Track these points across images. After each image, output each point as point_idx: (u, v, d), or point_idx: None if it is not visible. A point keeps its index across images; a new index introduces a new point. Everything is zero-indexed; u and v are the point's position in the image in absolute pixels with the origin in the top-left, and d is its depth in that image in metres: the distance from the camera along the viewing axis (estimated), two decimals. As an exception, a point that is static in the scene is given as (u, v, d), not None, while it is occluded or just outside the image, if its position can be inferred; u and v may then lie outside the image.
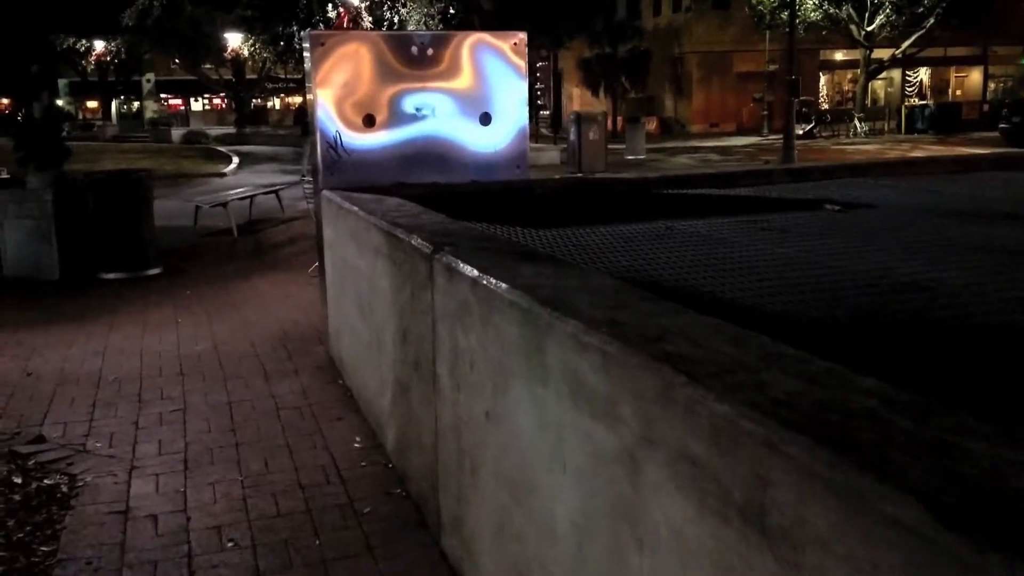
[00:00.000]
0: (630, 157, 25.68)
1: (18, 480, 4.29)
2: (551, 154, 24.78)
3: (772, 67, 37.72)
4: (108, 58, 48.44)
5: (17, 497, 4.13)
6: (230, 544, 3.65)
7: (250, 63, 45.93)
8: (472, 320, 2.95)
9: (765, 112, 37.24)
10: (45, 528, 3.83)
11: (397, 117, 6.00)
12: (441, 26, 25.88)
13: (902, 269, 3.24)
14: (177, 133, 43.67)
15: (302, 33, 6.56)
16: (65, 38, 38.56)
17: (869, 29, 35.07)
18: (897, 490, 1.20)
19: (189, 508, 4.01)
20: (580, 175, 7.94)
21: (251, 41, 36.57)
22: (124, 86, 58.64)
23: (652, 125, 38.78)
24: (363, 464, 4.40)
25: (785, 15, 33.55)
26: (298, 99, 53.05)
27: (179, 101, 68.73)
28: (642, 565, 1.89)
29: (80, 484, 4.29)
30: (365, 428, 4.85)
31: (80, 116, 60.75)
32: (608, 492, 2.03)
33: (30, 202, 9.33)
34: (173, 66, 53.98)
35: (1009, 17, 36.46)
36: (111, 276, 9.38)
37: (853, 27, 35.37)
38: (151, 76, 61.47)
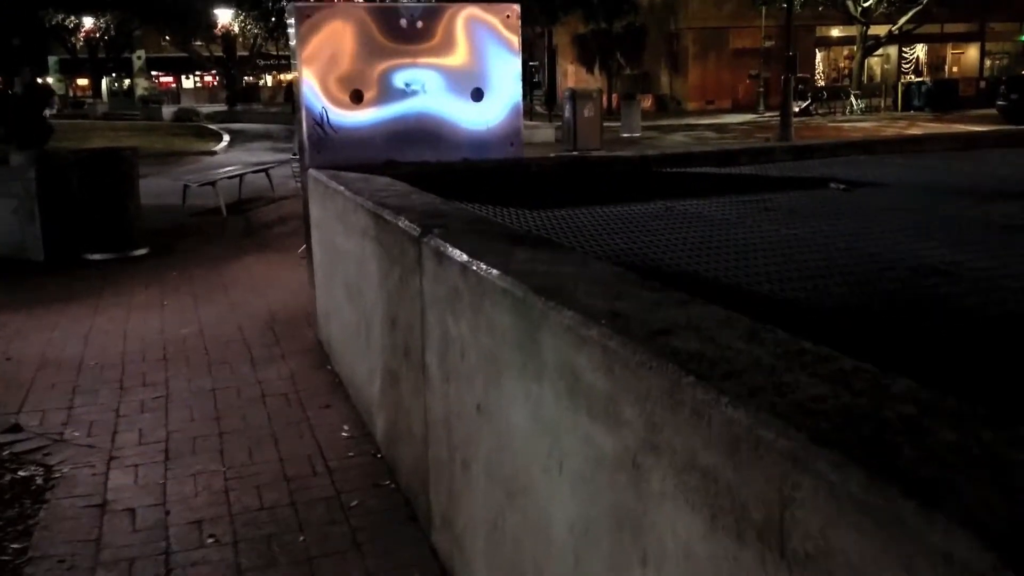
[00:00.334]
0: (626, 135, 25.43)
1: (-9, 472, 4.12)
2: (546, 132, 24.53)
3: (768, 43, 37.36)
4: (98, 35, 47.88)
5: (-10, 490, 3.96)
6: (210, 540, 3.49)
7: (241, 39, 45.48)
8: (462, 307, 2.78)
9: (761, 89, 36.92)
10: (17, 523, 3.67)
11: (386, 93, 5.80)
12: None
13: (919, 251, 3.07)
14: (168, 111, 43.19)
15: (286, 5, 6.39)
16: (54, 14, 38.05)
17: (866, 5, 34.77)
18: (949, 519, 1.03)
19: (169, 501, 3.84)
20: (576, 153, 7.74)
21: (241, 17, 36.13)
22: (114, 63, 58.07)
23: (648, 102, 38.49)
24: (351, 454, 4.24)
25: (782, -10, 33.32)
26: (290, 76, 52.55)
27: (170, 79, 68.18)
28: (646, 581, 1.73)
29: (56, 476, 4.12)
30: (354, 416, 4.69)
31: (71, 94, 60.17)
32: (609, 499, 1.86)
33: (13, 181, 9.11)
34: (164, 43, 53.48)
35: (1007, -7, 36.18)
36: (97, 257, 9.17)
37: (850, 3, 35.06)
38: (142, 53, 60.83)
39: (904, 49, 42.82)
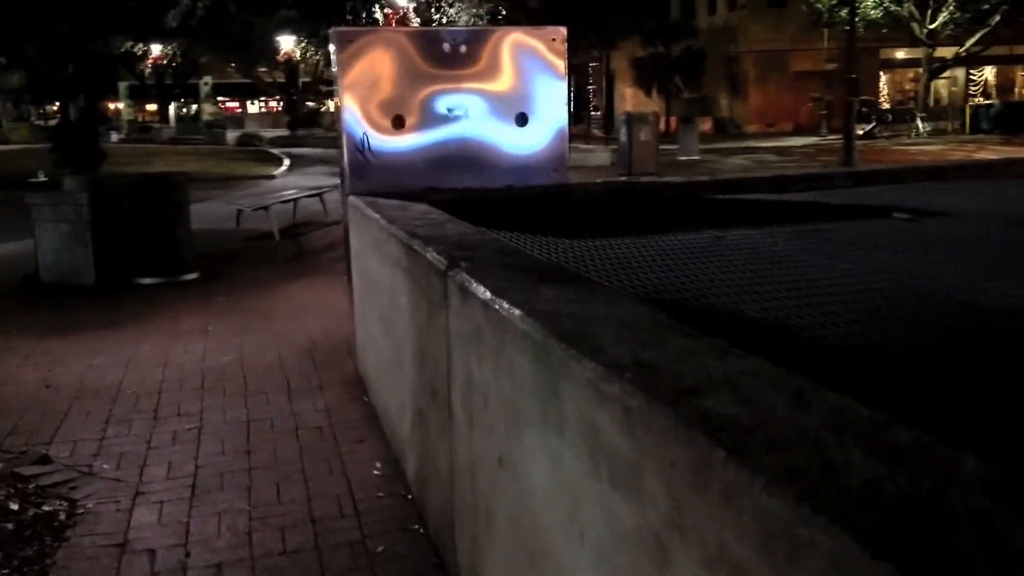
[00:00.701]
0: (683, 158, 25.09)
1: (15, 506, 4.02)
2: (602, 155, 24.33)
3: (831, 66, 36.68)
4: (164, 62, 49.08)
5: (10, 526, 3.85)
6: (228, 587, 3.33)
7: (303, 66, 46.23)
8: (485, 349, 2.58)
9: (824, 112, 36.27)
10: (35, 563, 3.55)
11: (428, 118, 5.66)
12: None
13: (992, 290, 2.78)
14: (231, 135, 44.06)
15: (329, 32, 6.35)
16: (122, 42, 39.10)
17: (931, 27, 33.94)
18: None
19: (191, 542, 3.69)
20: (624, 178, 7.52)
21: (302, 44, 36.72)
22: (182, 89, 59.54)
23: (706, 125, 38.06)
24: (381, 494, 4.05)
25: (844, 13, 32.64)
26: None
27: (236, 104, 69.69)
28: None
29: (80, 512, 4.01)
30: (387, 452, 4.51)
31: (139, 119, 61.83)
32: (632, 578, 1.64)
33: (66, 205, 9.18)
34: (229, 69, 54.61)
35: (1080, 13, 34.99)
36: (147, 281, 9.19)
37: (915, 25, 34.26)
38: (208, 79, 62.37)
39: (972, 71, 41.75)
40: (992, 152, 25.80)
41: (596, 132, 36.69)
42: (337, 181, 12.73)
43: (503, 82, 5.70)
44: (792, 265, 3.38)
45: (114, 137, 46.48)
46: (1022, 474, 1.21)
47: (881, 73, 42.06)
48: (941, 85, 41.87)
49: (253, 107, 70.33)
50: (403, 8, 24.89)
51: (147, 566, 3.51)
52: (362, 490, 4.11)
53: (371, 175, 5.62)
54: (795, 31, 38.18)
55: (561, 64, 5.74)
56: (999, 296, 2.75)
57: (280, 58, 42.33)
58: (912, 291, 2.86)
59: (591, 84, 51.74)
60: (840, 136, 22.77)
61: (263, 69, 48.79)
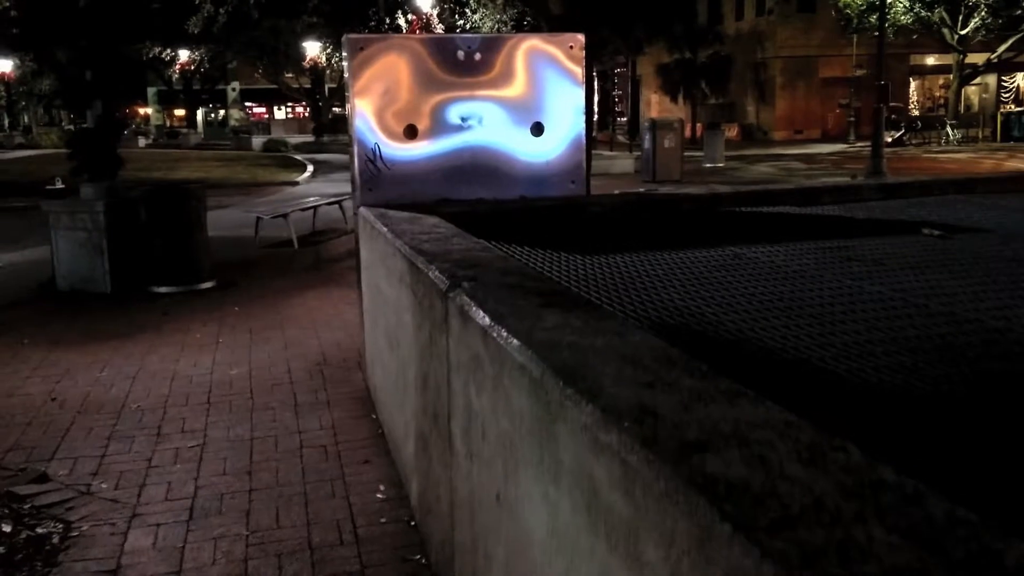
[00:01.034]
0: (708, 165, 24.85)
1: (7, 528, 3.90)
2: (625, 162, 24.12)
3: (859, 72, 36.28)
4: (192, 67, 49.38)
5: (2, 549, 3.73)
6: (219, 620, 3.18)
7: (329, 72, 46.34)
8: (484, 379, 2.41)
9: (852, 119, 35.87)
10: (22, 590, 3.42)
11: (441, 127, 5.51)
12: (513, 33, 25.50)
13: (1030, 320, 2.58)
14: (257, 141, 44.22)
15: (343, 38, 6.23)
16: (150, 47, 39.39)
17: (963, 33, 33.45)
18: None
19: (184, 570, 3.55)
20: (643, 189, 7.35)
21: (328, 49, 36.80)
22: (210, 95, 59.95)
23: (733, 132, 37.75)
24: (383, 520, 3.89)
25: (874, 18, 32.23)
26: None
27: (263, 109, 70.06)
28: None
29: (74, 535, 3.88)
30: (392, 474, 4.35)
31: (167, 124, 62.35)
32: (629, 653, 1.46)
33: (82, 213, 9.13)
34: (257, 75, 54.89)
35: (1116, 18, 34.31)
36: (162, 290, 9.12)
37: (945, 31, 33.79)
38: (236, 85, 62.77)
39: (1004, 78, 41.11)
40: (1023, 161, 25.32)
41: (621, 139, 36.44)
42: (356, 188, 12.40)
43: (518, 90, 5.53)
44: (815, 287, 3.19)
45: (142, 142, 46.85)
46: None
47: (911, 79, 41.53)
48: (972, 92, 41.28)
49: (280, 113, 70.66)
50: (427, 14, 24.84)
51: (138, 595, 3.37)
52: (364, 515, 3.95)
53: (382, 186, 5.47)
54: (823, 37, 37.81)
55: (579, 72, 5.57)
56: (1040, 324, 2.55)
57: (306, 64, 42.44)
58: (943, 317, 2.66)
59: (617, 90, 51.51)
60: (868, 143, 22.41)
61: (289, 75, 49.00)
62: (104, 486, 4.37)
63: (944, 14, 33.16)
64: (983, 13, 32.44)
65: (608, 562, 1.52)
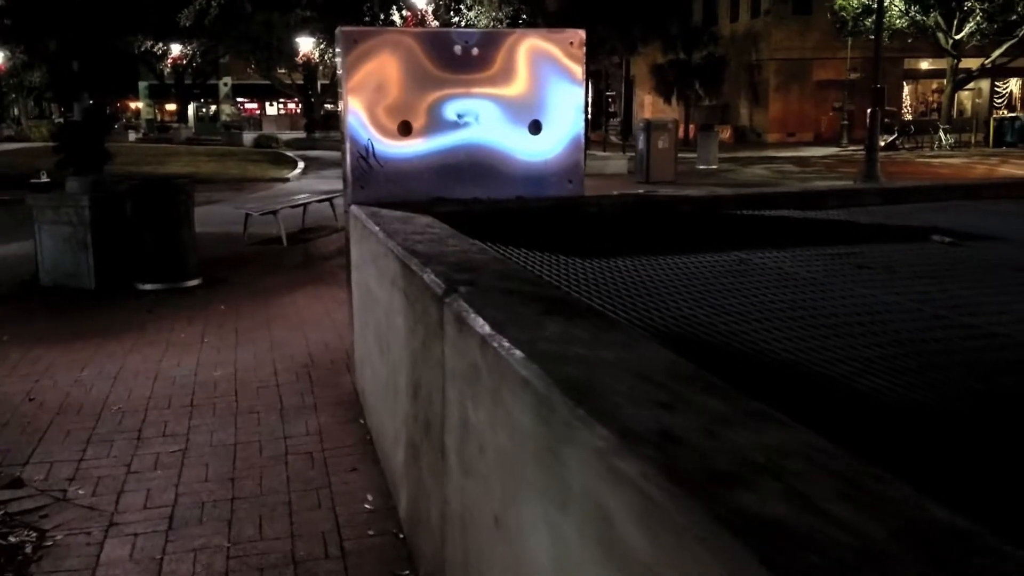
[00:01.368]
0: (702, 166, 24.74)
1: (-23, 537, 3.73)
2: (619, 163, 23.99)
3: (853, 75, 36.23)
4: (184, 62, 48.97)
5: (-30, 560, 3.56)
6: (197, 639, 3.02)
7: (322, 68, 46.06)
8: (481, 391, 2.26)
9: (845, 122, 35.82)
10: (-10, 604, 3.25)
11: (436, 124, 5.35)
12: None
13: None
14: (248, 137, 43.92)
15: (336, 31, 6.05)
16: (143, 40, 39.05)
17: (957, 37, 33.40)
18: None
19: (162, 583, 3.39)
20: (641, 191, 7.21)
21: (321, 44, 36.56)
22: (202, 89, 59.57)
23: (726, 134, 37.64)
24: (371, 532, 3.73)
25: (869, 21, 32.19)
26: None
27: (255, 105, 69.67)
28: None
29: (48, 544, 3.71)
30: (380, 483, 4.19)
31: (158, 119, 61.93)
32: None
33: (67, 207, 8.94)
34: (249, 71, 54.54)
35: (1110, 26, 34.35)
36: (148, 287, 8.92)
37: (940, 35, 33.74)
38: (228, 80, 62.41)
39: (997, 83, 41.15)
40: (1016, 166, 25.31)
41: (614, 139, 36.31)
42: (347, 186, 12.25)
43: (516, 87, 5.38)
44: (827, 296, 3.05)
45: (132, 136, 46.48)
46: None
47: (904, 83, 41.51)
48: (965, 97, 41.29)
49: (271, 109, 70.26)
50: (422, 11, 24.63)
51: (112, 610, 3.21)
52: (350, 527, 3.79)
53: (375, 183, 5.31)
54: (818, 39, 37.74)
55: (579, 69, 5.42)
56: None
57: (299, 60, 42.16)
58: (968, 330, 2.52)
59: (610, 90, 51.38)
60: (861, 147, 22.33)
61: (282, 71, 48.70)
62: (81, 492, 4.20)
63: (939, 18, 33.12)
64: (978, 18, 32.41)
65: (622, 605, 1.38)
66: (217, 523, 3.85)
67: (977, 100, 41.86)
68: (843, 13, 33.78)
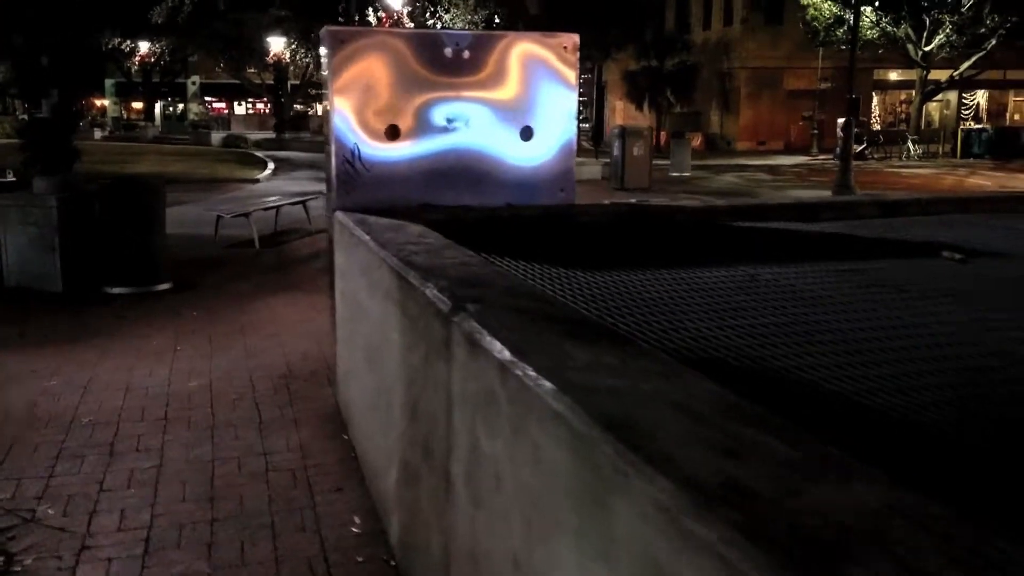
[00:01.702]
0: (675, 174, 24.73)
1: (-62, 562, 3.50)
2: (592, 168, 23.90)
3: (824, 85, 36.52)
4: (152, 60, 48.27)
5: (-70, 587, 3.33)
6: (178, 677, 2.82)
7: (292, 68, 45.60)
8: (499, 420, 2.09)
9: (815, 131, 36.07)
10: (-48, 637, 3.03)
11: (425, 128, 5.17)
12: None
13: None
14: (217, 136, 43.37)
15: (320, 31, 5.88)
16: (111, 37, 38.41)
17: (927, 49, 33.78)
18: None
19: (138, 613, 3.18)
20: (634, 200, 7.07)
21: (292, 44, 36.15)
22: (169, 88, 58.78)
23: (697, 141, 37.73)
24: (359, 558, 3.55)
25: (841, 32, 32.46)
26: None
27: (223, 104, 68.84)
28: None
29: (16, 568, 3.49)
30: (367, 504, 4.00)
31: (124, 117, 61.02)
32: None
33: (34, 208, 8.63)
34: (218, 69, 53.91)
35: (1075, 40, 34.91)
36: (117, 291, 8.65)
37: (910, 46, 34.11)
38: (196, 79, 61.62)
39: (964, 95, 41.70)
40: (984, 178, 25.59)
41: (585, 144, 36.28)
42: (322, 188, 12.21)
43: (508, 91, 5.22)
44: (847, 317, 2.92)
45: (97, 134, 45.72)
46: None
47: (873, 94, 41.93)
48: (933, 108, 41.80)
49: (240, 108, 69.48)
50: (397, 12, 24.40)
51: (85, 644, 3.00)
52: (337, 551, 3.60)
53: (361, 188, 5.12)
54: (790, 49, 37.98)
55: (572, 75, 5.28)
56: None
57: (270, 59, 41.68)
58: (1007, 357, 2.39)
59: (582, 96, 51.38)
60: (831, 156, 22.44)
61: (252, 70, 48.13)
62: (51, 512, 3.97)
63: (910, 30, 33.48)
64: (948, 30, 32.80)
65: None
66: (197, 547, 3.65)
67: (945, 111, 42.40)
68: (815, 23, 34.05)
